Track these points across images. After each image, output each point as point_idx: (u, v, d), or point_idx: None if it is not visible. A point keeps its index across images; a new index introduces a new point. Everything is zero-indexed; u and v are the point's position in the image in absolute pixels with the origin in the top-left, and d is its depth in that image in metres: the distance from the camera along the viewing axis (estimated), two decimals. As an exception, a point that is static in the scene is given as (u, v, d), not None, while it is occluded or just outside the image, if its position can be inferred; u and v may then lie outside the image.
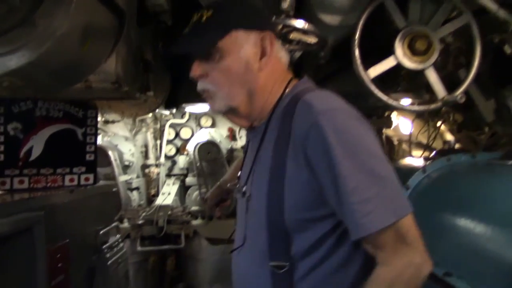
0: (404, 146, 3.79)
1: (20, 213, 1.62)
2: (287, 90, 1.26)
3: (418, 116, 3.35)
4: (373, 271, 1.09)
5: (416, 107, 1.85)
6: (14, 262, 1.55)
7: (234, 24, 1.22)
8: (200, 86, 1.26)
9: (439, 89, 1.82)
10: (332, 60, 2.37)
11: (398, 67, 1.88)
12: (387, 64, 1.79)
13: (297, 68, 2.60)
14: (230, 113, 1.28)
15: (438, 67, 1.92)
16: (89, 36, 1.44)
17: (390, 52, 1.85)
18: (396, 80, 2.25)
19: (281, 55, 1.30)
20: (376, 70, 1.79)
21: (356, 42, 1.76)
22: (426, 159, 2.60)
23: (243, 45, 1.22)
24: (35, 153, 2.30)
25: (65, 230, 1.98)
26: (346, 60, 2.53)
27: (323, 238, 1.17)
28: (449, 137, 3.40)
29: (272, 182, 1.17)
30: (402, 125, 3.85)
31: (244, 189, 1.28)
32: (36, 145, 2.30)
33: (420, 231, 1.10)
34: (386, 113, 3.35)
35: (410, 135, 3.34)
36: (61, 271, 1.77)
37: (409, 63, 1.79)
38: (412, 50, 1.78)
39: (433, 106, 1.83)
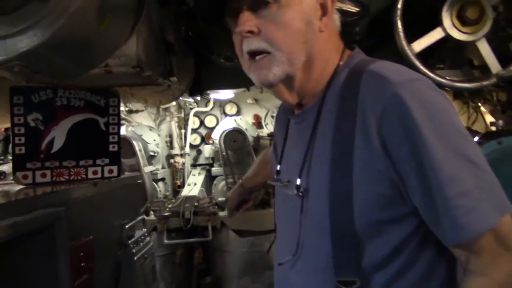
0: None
1: (40, 209, 1.51)
2: (341, 62, 1.06)
3: (456, 96, 3.13)
4: (466, 283, 0.89)
5: (467, 85, 1.66)
6: (34, 261, 1.44)
7: None
8: (251, 45, 1.00)
9: (493, 63, 1.62)
10: (366, 38, 2.19)
11: (445, 40, 1.69)
12: (433, 36, 1.61)
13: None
14: (284, 83, 1.05)
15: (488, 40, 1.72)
16: (107, 13, 1.30)
17: (434, 24, 1.66)
18: (439, 55, 2.06)
19: (335, 18, 1.10)
20: (421, 43, 1.61)
21: (399, 12, 1.58)
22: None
23: None
24: (57, 145, 2.19)
25: (88, 226, 1.88)
26: (382, 37, 2.37)
27: (402, 245, 0.95)
28: (491, 118, 3.18)
29: (336, 176, 0.95)
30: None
31: (298, 182, 1.04)
32: (58, 136, 2.20)
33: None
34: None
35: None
36: (84, 270, 1.67)
37: (459, 35, 1.60)
38: (462, 20, 1.59)
39: (486, 82, 1.64)
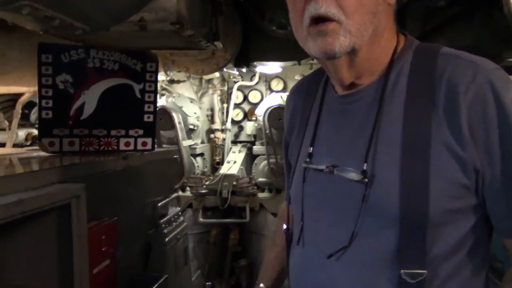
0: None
1: (56, 183, 1.30)
2: (400, 44, 1.00)
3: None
4: None
5: None
6: (45, 245, 1.23)
7: None
8: (319, 9, 0.89)
9: None
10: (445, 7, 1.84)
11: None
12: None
13: (401, 16, 2.08)
14: (347, 57, 0.95)
15: None
16: None
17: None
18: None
19: None
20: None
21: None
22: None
23: None
24: (87, 111, 1.99)
25: (114, 205, 1.68)
26: (465, 5, 2.01)
27: (466, 236, 0.94)
28: None
29: (410, 161, 0.90)
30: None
31: (365, 167, 0.93)
32: (88, 101, 1.99)
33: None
34: None
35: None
36: (105, 255, 1.46)
37: None
38: None
39: None
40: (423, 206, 0.88)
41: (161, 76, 4.13)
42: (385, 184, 0.92)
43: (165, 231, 2.29)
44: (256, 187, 3.86)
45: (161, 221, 2.28)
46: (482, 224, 0.96)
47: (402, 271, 0.89)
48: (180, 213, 2.61)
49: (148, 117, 2.11)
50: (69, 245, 1.27)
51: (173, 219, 2.45)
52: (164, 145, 3.98)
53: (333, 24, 0.89)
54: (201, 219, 3.71)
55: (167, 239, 2.27)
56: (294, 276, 1.12)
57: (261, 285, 1.27)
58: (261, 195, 3.82)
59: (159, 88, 4.55)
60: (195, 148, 4.38)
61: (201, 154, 4.56)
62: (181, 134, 3.95)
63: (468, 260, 0.95)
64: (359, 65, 0.97)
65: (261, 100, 4.79)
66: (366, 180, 0.93)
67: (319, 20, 0.90)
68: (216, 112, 4.90)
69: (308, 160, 1.08)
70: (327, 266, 1.00)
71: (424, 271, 0.88)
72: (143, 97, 2.09)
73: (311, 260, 1.05)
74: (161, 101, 4.37)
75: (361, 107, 1.00)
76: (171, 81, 4.50)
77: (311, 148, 1.08)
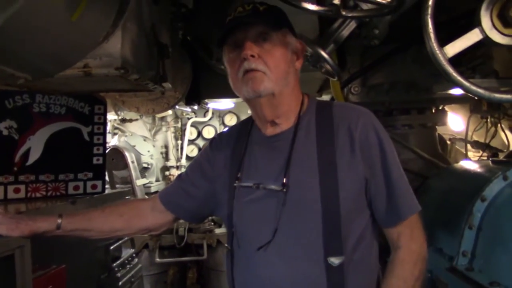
0: (457, 146, 3.32)
1: (-2, 234, 1.26)
2: (305, 101, 1.40)
3: (474, 110, 2.89)
4: (398, 256, 1.29)
5: (510, 96, 1.40)
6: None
7: (285, 23, 1.34)
8: (251, 65, 1.26)
9: (540, 72, 1.39)
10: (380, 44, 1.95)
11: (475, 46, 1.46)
12: (469, 39, 1.37)
13: (341, 53, 2.19)
14: (268, 98, 1.31)
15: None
16: (80, 1, 1.06)
17: (469, 25, 1.43)
18: (468, 63, 1.81)
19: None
20: (455, 47, 1.37)
21: (429, 10, 1.34)
22: (495, 162, 2.14)
23: (290, 43, 1.34)
24: (33, 157, 1.96)
25: (63, 252, 1.63)
26: (398, 43, 2.14)
27: (366, 229, 1.31)
28: (510, 135, 2.94)
29: (324, 175, 1.26)
30: (453, 122, 3.39)
31: (285, 181, 1.28)
32: (34, 146, 1.96)
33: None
34: (436, 108, 2.87)
35: (467, 133, 2.88)
36: (53, 306, 1.41)
37: (500, 38, 1.36)
38: (504, 21, 1.36)
39: (530, 94, 1.40)
40: (337, 206, 1.23)
41: (113, 116, 4.10)
42: (305, 192, 1.26)
43: (119, 274, 2.23)
44: (213, 223, 3.83)
45: (114, 264, 2.22)
46: (373, 219, 1.33)
47: (328, 258, 1.22)
48: (134, 254, 2.56)
49: (98, 160, 2.09)
50: (12, 297, 1.22)
51: (127, 261, 2.39)
52: (117, 185, 3.92)
53: (260, 73, 1.26)
54: (157, 259, 3.62)
55: (120, 283, 2.22)
56: (239, 273, 1.37)
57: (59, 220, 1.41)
58: (218, 231, 3.79)
59: (111, 127, 4.50)
60: (149, 187, 4.33)
61: (156, 193, 4.50)
62: (134, 173, 3.90)
63: (370, 246, 1.32)
64: (277, 107, 1.33)
65: (215, 135, 4.82)
66: (285, 190, 1.26)
67: (251, 72, 1.26)
68: (171, 149, 4.89)
69: (237, 182, 1.37)
70: (263, 256, 1.27)
71: (343, 257, 1.22)
72: (91, 139, 2.08)
73: (248, 256, 1.32)
74: (113, 141, 4.32)
75: (282, 145, 1.34)
76: (123, 120, 4.46)
77: (240, 173, 1.38)
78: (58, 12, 1.00)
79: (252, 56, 1.25)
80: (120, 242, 2.34)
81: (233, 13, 1.32)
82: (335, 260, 1.22)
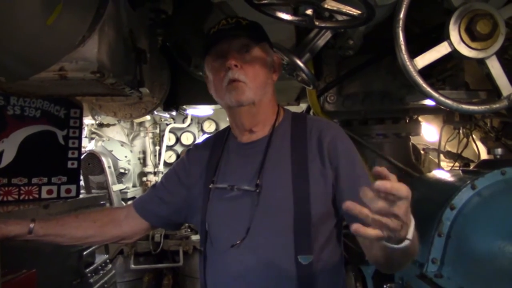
0: (431, 156, 3.39)
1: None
2: (280, 111, 1.51)
3: (446, 121, 2.97)
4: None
5: (476, 107, 1.46)
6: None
7: (264, 37, 1.46)
8: (235, 74, 1.36)
9: (504, 84, 1.44)
10: (355, 54, 2.00)
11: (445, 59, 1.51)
12: (438, 51, 1.42)
13: (317, 62, 2.23)
14: (248, 107, 1.40)
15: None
16: (56, 3, 1.07)
17: (438, 38, 1.48)
18: (439, 75, 1.87)
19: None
20: (425, 59, 1.42)
21: (401, 23, 1.39)
22: (465, 171, 2.20)
23: (268, 56, 1.45)
24: (6, 159, 1.93)
25: (33, 256, 1.61)
26: (373, 54, 2.19)
27: (332, 232, 1.38)
28: (480, 145, 3.02)
29: (297, 178, 1.34)
30: (426, 132, 3.46)
31: (258, 182, 1.35)
32: (8, 149, 1.93)
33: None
34: (410, 118, 2.94)
35: (440, 143, 2.94)
36: (22, 312, 1.39)
37: (467, 51, 1.42)
38: (471, 35, 1.41)
39: (496, 105, 1.45)
40: (308, 209, 1.31)
41: (90, 120, 4.06)
42: (278, 195, 1.33)
43: (91, 280, 2.21)
44: (189, 230, 3.82)
45: (87, 270, 2.20)
46: (338, 229, 1.41)
47: (298, 256, 1.28)
48: (108, 260, 2.54)
49: (72, 164, 2.07)
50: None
51: (100, 267, 2.38)
52: (93, 191, 3.87)
53: (241, 84, 1.36)
54: (132, 266, 3.59)
55: (93, 289, 2.20)
56: (211, 272, 1.41)
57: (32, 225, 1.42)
58: (194, 237, 3.77)
59: (88, 132, 4.45)
60: (126, 192, 4.29)
61: (133, 198, 4.46)
62: (111, 178, 3.87)
63: (336, 250, 1.40)
64: (255, 116, 1.43)
65: (194, 141, 4.84)
66: (258, 190, 1.34)
67: (234, 82, 1.36)
68: (148, 155, 4.86)
69: (212, 184, 1.44)
70: (235, 256, 1.33)
71: (312, 256, 1.29)
72: (66, 143, 2.06)
73: (221, 253, 1.37)
74: (90, 145, 4.27)
75: (257, 151, 1.43)
76: (101, 125, 4.42)
77: (215, 177, 1.45)
78: (33, 16, 1.00)
79: (236, 66, 1.35)
80: (94, 247, 2.32)
81: (216, 26, 1.42)
82: (305, 258, 1.28)
